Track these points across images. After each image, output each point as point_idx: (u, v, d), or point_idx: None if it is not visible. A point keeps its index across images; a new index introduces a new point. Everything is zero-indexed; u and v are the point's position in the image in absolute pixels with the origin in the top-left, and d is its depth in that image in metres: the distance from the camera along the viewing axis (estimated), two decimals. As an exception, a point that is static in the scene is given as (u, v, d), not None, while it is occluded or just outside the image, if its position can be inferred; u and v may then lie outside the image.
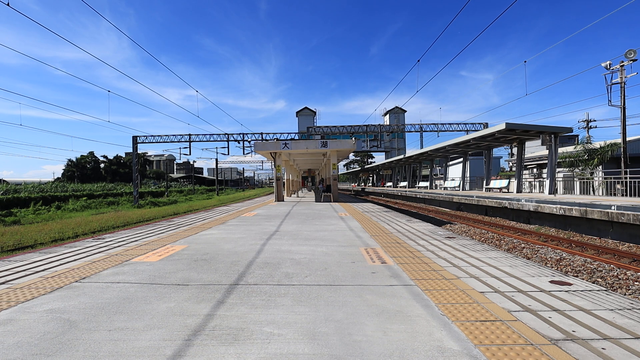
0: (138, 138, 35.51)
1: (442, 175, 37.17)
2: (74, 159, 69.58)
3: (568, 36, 23.61)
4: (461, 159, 28.57)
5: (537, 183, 23.91)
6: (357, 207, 12.99)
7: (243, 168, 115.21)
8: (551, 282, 3.14)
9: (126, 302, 2.71)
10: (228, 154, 39.49)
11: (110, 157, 76.06)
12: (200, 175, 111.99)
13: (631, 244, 9.35)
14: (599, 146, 21.09)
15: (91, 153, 71.80)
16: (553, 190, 17.40)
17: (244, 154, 37.98)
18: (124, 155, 78.84)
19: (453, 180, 31.29)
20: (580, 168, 21.87)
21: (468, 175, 30.21)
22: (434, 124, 37.22)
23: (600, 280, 6.68)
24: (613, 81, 19.52)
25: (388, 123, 59.26)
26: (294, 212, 11.00)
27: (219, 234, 6.43)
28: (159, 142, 36.19)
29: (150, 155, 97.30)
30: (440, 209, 21.72)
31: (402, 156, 37.18)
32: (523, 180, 21.70)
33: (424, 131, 37.62)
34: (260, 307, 2.57)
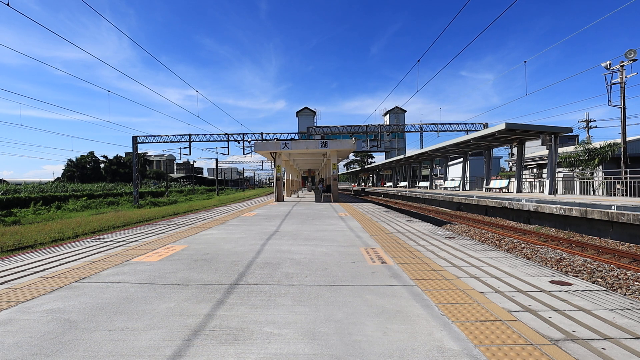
0: (138, 138, 35.51)
1: (442, 175, 37.17)
2: (74, 159, 69.65)
3: (568, 36, 23.63)
4: (461, 159, 28.57)
5: (537, 183, 23.91)
6: (357, 207, 12.99)
7: (243, 168, 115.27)
8: (551, 282, 3.14)
9: (126, 302, 2.71)
10: (228, 154, 39.50)
11: (110, 157, 76.16)
12: (200, 175, 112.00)
13: (631, 244, 9.35)
14: (599, 146, 21.09)
15: (91, 153, 71.83)
16: (553, 190, 17.40)
17: (244, 154, 38.00)
18: (124, 155, 78.85)
19: (453, 180, 31.29)
20: (580, 168, 21.87)
21: (468, 175, 30.21)
22: (434, 124, 37.22)
23: (600, 280, 6.68)
24: (613, 81, 19.52)
25: (388, 123, 59.26)
26: (294, 212, 11.00)
27: (219, 234, 6.43)
28: (159, 142, 36.20)
29: (150, 155, 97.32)
30: (440, 209, 21.72)
31: (402, 156, 37.19)
32: (523, 180, 21.70)
33: (424, 131, 37.62)
34: (260, 307, 2.57)
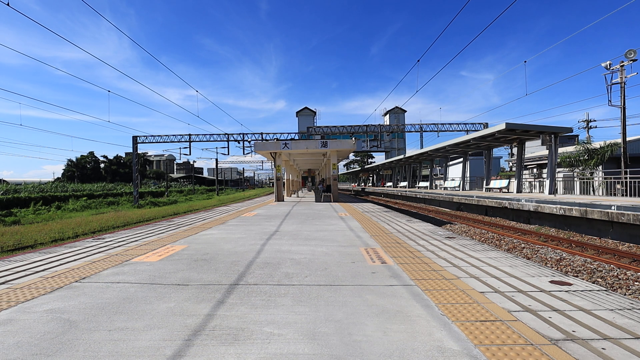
0: (138, 138, 35.51)
1: (442, 175, 37.17)
2: (74, 159, 69.67)
3: (568, 36, 23.65)
4: (461, 159, 28.57)
5: (537, 183, 23.91)
6: (357, 207, 12.99)
7: (243, 168, 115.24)
8: (551, 282, 3.14)
9: (126, 302, 2.71)
10: (228, 154, 39.51)
11: (110, 157, 76.15)
12: (200, 175, 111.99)
13: (631, 244, 9.35)
14: (599, 146, 21.09)
15: (91, 153, 71.83)
16: (553, 190, 17.40)
17: (244, 154, 38.01)
18: (124, 155, 78.84)
19: (453, 180, 31.29)
20: (580, 168, 21.86)
21: (468, 175, 30.21)
22: (434, 124, 37.22)
23: (600, 280, 6.68)
24: (613, 81, 19.52)
25: (388, 123, 59.25)
26: (294, 212, 11.00)
27: (219, 234, 6.43)
28: (159, 142, 36.20)
29: (150, 155, 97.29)
30: (440, 209, 21.72)
31: (402, 156, 37.19)
32: (523, 180, 21.70)
33: (424, 131, 37.62)
34: (260, 307, 2.57)
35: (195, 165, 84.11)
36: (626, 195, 16.61)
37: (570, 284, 3.07)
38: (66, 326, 2.26)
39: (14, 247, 11.71)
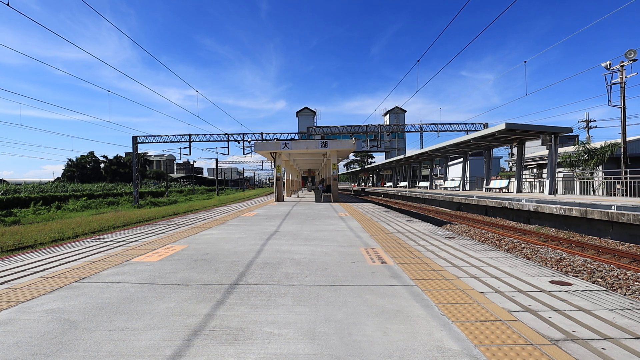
0: (138, 138, 35.51)
1: (442, 175, 37.17)
2: (74, 159, 69.67)
3: (568, 36, 23.66)
4: (461, 159, 28.57)
5: (537, 183, 23.91)
6: (357, 207, 12.99)
7: (243, 168, 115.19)
8: (551, 282, 3.14)
9: (126, 302, 2.71)
10: (228, 154, 39.51)
11: (110, 157, 76.15)
12: (200, 175, 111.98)
13: (631, 244, 9.35)
14: (599, 146, 21.09)
15: (91, 153, 71.82)
16: (553, 190, 17.40)
17: (244, 154, 38.01)
18: (124, 155, 78.84)
19: (453, 180, 31.29)
20: (580, 168, 21.87)
21: (468, 175, 30.21)
22: (434, 124, 37.21)
23: (600, 280, 6.68)
24: (613, 81, 19.53)
25: (388, 123, 59.25)
26: (294, 212, 11.00)
27: (219, 234, 6.43)
28: (159, 142, 36.20)
29: (150, 156, 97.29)
30: (440, 209, 21.72)
31: (402, 156, 37.18)
32: (523, 180, 21.70)
33: (424, 131, 37.61)
34: (260, 307, 2.57)
35: (195, 165, 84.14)
36: (626, 195, 16.61)
37: (570, 284, 3.07)
38: (66, 326, 2.26)
39: (14, 247, 11.70)
